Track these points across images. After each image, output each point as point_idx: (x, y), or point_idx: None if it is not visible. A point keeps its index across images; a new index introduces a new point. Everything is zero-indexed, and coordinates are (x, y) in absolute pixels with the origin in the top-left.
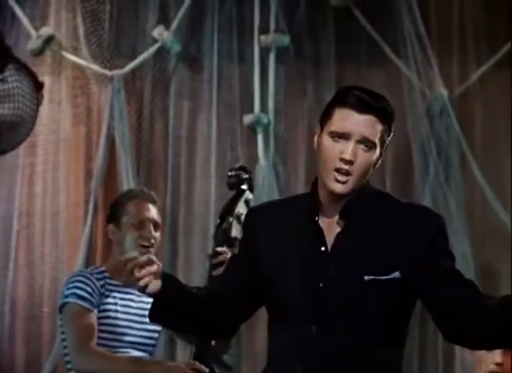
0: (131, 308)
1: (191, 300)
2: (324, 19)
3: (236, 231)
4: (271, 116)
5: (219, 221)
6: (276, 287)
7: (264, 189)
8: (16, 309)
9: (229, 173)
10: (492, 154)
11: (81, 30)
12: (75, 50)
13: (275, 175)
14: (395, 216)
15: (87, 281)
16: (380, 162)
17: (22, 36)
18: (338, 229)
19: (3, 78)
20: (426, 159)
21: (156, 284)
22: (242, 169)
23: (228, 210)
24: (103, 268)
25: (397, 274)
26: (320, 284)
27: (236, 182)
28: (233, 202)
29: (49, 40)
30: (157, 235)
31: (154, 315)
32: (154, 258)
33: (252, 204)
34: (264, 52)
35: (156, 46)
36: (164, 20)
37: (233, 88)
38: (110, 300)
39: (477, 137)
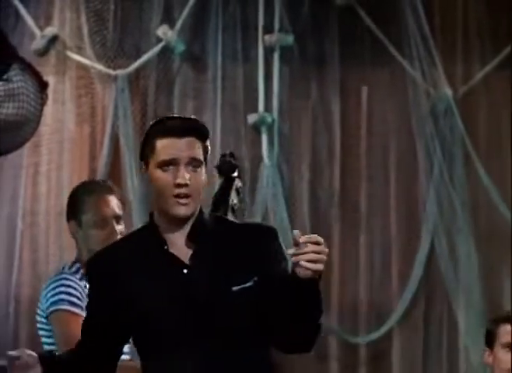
0: None
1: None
2: (328, 18)
3: None
4: (276, 115)
5: (212, 208)
6: (149, 323)
7: (268, 188)
8: (20, 309)
9: (222, 159)
10: (496, 153)
11: (85, 30)
12: (80, 50)
13: (279, 174)
14: (237, 232)
15: (73, 284)
16: (206, 178)
17: (27, 35)
18: (190, 252)
19: (8, 78)
20: (430, 158)
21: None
22: (231, 155)
23: (222, 200)
24: (78, 265)
25: (255, 279)
26: (190, 306)
27: (229, 169)
28: (226, 191)
29: (53, 39)
30: (121, 227)
31: None
32: (25, 352)
33: (257, 198)
34: (269, 52)
35: (160, 45)
36: (168, 20)
37: (237, 87)
38: None
39: (481, 137)
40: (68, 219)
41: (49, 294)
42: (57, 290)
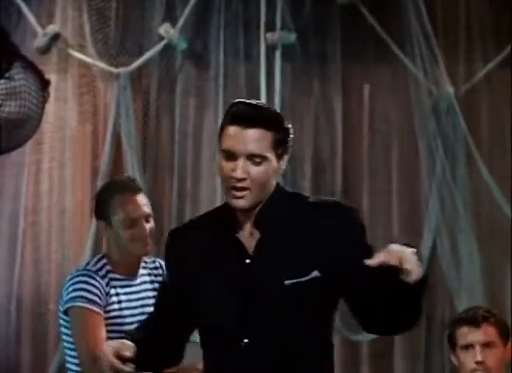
0: (134, 301)
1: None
2: (330, 16)
3: None
4: None
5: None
6: (207, 307)
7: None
8: (23, 307)
9: None
10: (498, 151)
11: (87, 28)
12: (82, 48)
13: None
14: (307, 216)
15: (94, 282)
16: (283, 165)
17: (29, 34)
18: (255, 240)
19: (10, 76)
20: (432, 157)
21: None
22: None
23: None
24: (105, 260)
25: (316, 273)
26: (248, 297)
27: None
28: None
29: (55, 37)
30: (150, 225)
31: None
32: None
33: None
34: (271, 50)
35: (162, 43)
36: (170, 18)
37: (239, 85)
38: (114, 298)
39: (483, 135)
40: (97, 218)
41: (69, 289)
42: (77, 286)
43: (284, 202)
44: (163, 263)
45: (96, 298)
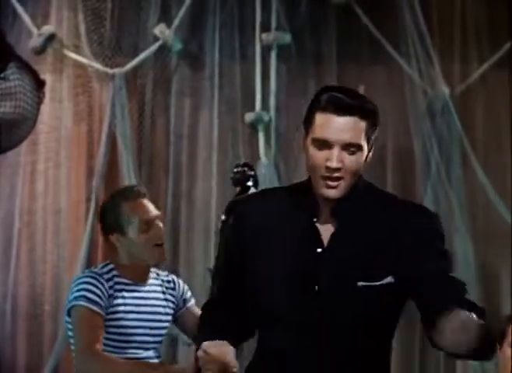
0: (141, 307)
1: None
2: (325, 16)
3: None
4: (273, 114)
5: (224, 217)
6: (268, 287)
7: (265, 186)
8: (18, 307)
9: (235, 170)
10: (493, 152)
11: (82, 28)
12: (77, 49)
13: (277, 173)
14: (388, 215)
15: (97, 283)
16: (370, 155)
17: (24, 34)
18: (332, 230)
19: (5, 77)
20: (427, 157)
21: None
22: (247, 165)
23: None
24: (111, 266)
25: (390, 279)
26: (315, 288)
27: (242, 178)
28: None
29: (50, 38)
30: (162, 225)
31: None
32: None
33: None
34: (266, 50)
35: (158, 44)
36: (166, 18)
37: (234, 86)
38: (119, 301)
39: (478, 135)
40: (107, 233)
41: (73, 290)
42: (80, 286)
43: (365, 194)
44: (177, 280)
45: (97, 299)
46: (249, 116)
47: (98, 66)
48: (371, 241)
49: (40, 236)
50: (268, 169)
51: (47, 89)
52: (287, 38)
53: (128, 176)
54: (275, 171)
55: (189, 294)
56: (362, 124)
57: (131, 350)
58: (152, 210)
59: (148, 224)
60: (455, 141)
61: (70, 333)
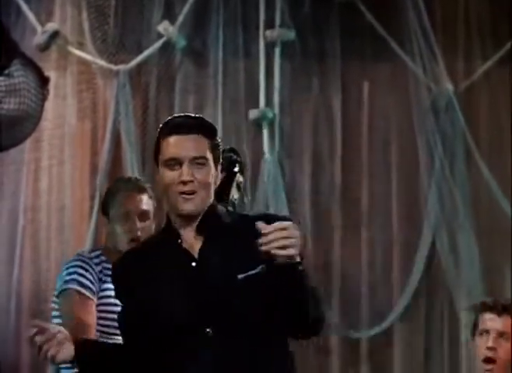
0: None
1: (111, 351)
2: (329, 13)
3: None
4: (277, 110)
5: None
6: (163, 311)
7: (269, 183)
8: (22, 305)
9: (222, 155)
10: (497, 148)
11: (86, 25)
12: (81, 45)
13: (281, 169)
14: (245, 223)
15: (87, 267)
16: (219, 177)
17: (28, 31)
18: (199, 245)
19: (9, 73)
20: (431, 154)
21: (68, 350)
22: (232, 150)
23: (222, 195)
24: (99, 251)
25: (262, 267)
26: (201, 297)
27: (228, 164)
28: (227, 186)
29: (55, 35)
30: (144, 224)
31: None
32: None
33: (258, 193)
34: (270, 47)
35: (162, 41)
36: (169, 15)
37: (238, 83)
38: (109, 285)
39: (482, 132)
40: (102, 214)
41: (63, 274)
42: (71, 270)
43: (221, 212)
44: None
45: (89, 283)
46: (253, 113)
47: (102, 63)
48: (236, 242)
49: (43, 233)
50: (272, 165)
51: (52, 86)
52: (291, 35)
53: (132, 173)
54: (279, 167)
55: None
56: (205, 141)
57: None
58: (138, 205)
59: (126, 216)
60: (459, 138)
61: (55, 313)
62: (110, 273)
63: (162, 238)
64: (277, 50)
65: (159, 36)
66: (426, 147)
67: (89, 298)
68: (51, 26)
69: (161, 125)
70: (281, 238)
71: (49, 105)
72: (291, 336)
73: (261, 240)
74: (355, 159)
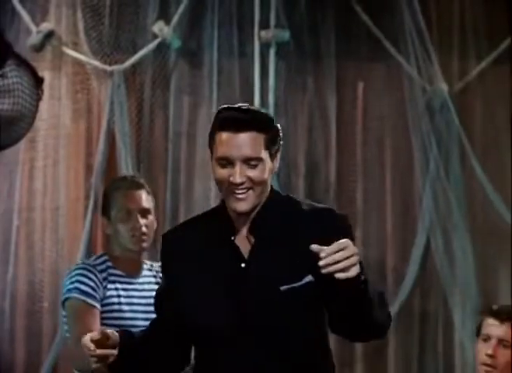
0: (135, 298)
1: (143, 353)
2: (324, 14)
3: None
4: (272, 111)
5: None
6: (202, 308)
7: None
8: (16, 305)
9: None
10: (492, 149)
11: (81, 26)
12: (76, 46)
13: None
14: (299, 221)
15: (90, 275)
16: (276, 165)
17: (23, 31)
18: (251, 245)
19: (3, 74)
20: (426, 154)
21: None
22: None
23: None
24: (105, 257)
25: (309, 278)
26: (243, 301)
27: None
28: None
29: (49, 35)
30: (147, 221)
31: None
32: (108, 331)
33: None
34: (265, 47)
35: (156, 41)
36: (164, 15)
37: (233, 83)
38: (112, 292)
39: (477, 132)
40: (101, 214)
41: (66, 282)
42: (74, 278)
43: (278, 208)
44: None
45: (91, 290)
46: None
47: (97, 63)
48: (288, 247)
49: (38, 233)
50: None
51: (46, 86)
52: (286, 35)
53: (127, 174)
54: None
55: None
56: (260, 138)
57: None
58: (138, 202)
59: (128, 214)
60: (453, 138)
61: (66, 327)
62: (115, 279)
63: (216, 226)
64: (272, 51)
65: (154, 36)
66: (421, 147)
67: (91, 305)
68: (46, 26)
69: (216, 114)
70: (341, 260)
71: (43, 105)
72: (347, 339)
73: (320, 263)
74: (350, 159)
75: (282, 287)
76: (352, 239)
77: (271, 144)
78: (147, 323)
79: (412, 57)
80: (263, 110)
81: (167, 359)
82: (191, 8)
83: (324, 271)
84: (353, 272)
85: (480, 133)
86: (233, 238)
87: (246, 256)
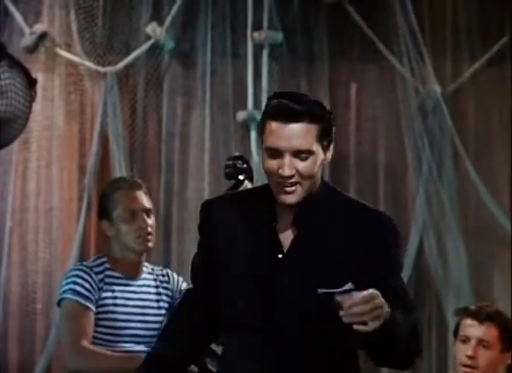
0: (131, 300)
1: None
2: (317, 15)
3: None
4: None
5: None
6: (229, 291)
7: (258, 185)
8: (9, 306)
9: (227, 163)
10: (485, 150)
11: (74, 27)
12: (69, 47)
13: None
14: (346, 220)
15: (86, 277)
16: (329, 155)
17: (16, 32)
18: (292, 236)
19: None
20: (419, 156)
21: None
22: (239, 158)
23: None
24: (104, 259)
25: (349, 285)
26: (274, 294)
27: (234, 172)
28: None
29: (42, 36)
30: (151, 221)
31: None
32: None
33: None
34: (258, 49)
35: (150, 42)
36: (157, 17)
37: (226, 84)
38: (108, 294)
39: (470, 134)
40: (100, 218)
41: (63, 283)
42: (69, 279)
43: (326, 202)
44: (171, 273)
45: (86, 292)
46: (241, 115)
47: (90, 64)
48: (331, 247)
49: (31, 235)
50: (260, 167)
51: (39, 88)
52: (279, 37)
53: (120, 175)
54: None
55: (184, 285)
56: (312, 129)
57: (121, 344)
58: (142, 202)
59: (132, 214)
60: (446, 140)
61: (60, 327)
62: (112, 281)
63: (259, 208)
64: (265, 52)
65: (147, 37)
66: (414, 148)
67: (85, 306)
68: (39, 28)
69: (269, 99)
70: (365, 313)
71: (37, 106)
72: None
73: (341, 313)
74: (343, 160)
75: (320, 290)
76: (399, 247)
77: (323, 135)
78: (142, 326)
79: (404, 59)
80: (317, 100)
81: (199, 327)
82: (184, 10)
83: (345, 320)
84: (374, 325)
85: (473, 134)
86: (274, 224)
87: (285, 247)
